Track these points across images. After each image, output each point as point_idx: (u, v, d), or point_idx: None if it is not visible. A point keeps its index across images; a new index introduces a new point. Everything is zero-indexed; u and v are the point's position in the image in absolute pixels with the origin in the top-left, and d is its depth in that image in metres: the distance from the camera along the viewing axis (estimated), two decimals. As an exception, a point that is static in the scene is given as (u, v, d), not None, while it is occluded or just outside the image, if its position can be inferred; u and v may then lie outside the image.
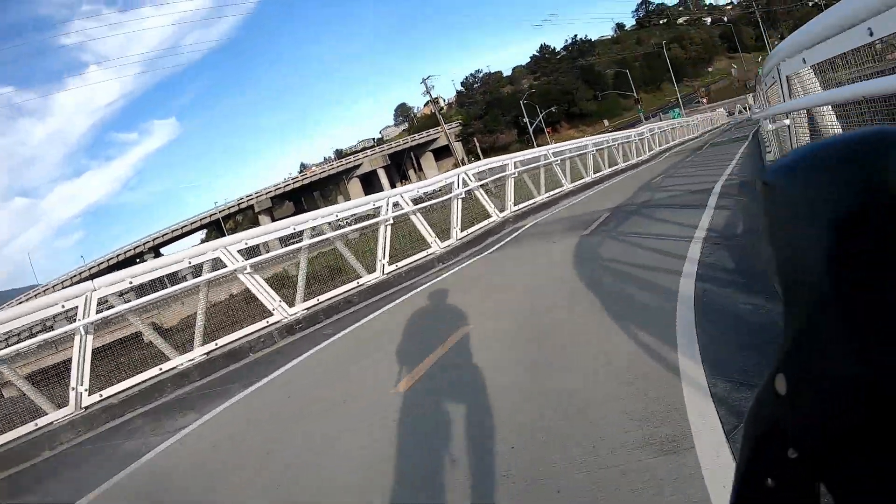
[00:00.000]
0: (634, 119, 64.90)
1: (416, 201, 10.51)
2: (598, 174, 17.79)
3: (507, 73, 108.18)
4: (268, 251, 8.21)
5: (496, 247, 9.73)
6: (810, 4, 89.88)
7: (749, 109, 52.92)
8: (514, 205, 12.63)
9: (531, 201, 13.43)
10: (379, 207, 9.53)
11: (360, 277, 8.78)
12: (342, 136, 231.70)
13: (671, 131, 29.01)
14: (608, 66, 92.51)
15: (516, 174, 12.85)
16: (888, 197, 0.28)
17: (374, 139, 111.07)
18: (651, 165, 20.19)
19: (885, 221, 0.28)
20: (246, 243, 7.68)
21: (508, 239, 10.25)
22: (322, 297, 8.11)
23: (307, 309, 7.79)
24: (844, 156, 0.30)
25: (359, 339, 5.93)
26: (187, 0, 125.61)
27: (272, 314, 7.51)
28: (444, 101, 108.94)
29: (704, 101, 74.27)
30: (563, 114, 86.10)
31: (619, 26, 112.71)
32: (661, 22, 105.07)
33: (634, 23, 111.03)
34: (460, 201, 10.94)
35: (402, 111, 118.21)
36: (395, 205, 9.80)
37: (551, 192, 14.43)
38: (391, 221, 9.46)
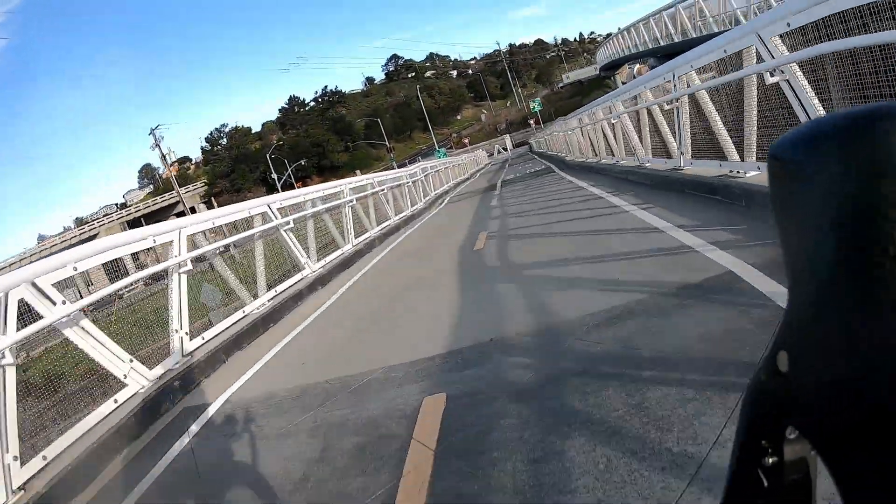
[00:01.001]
0: (387, 168, 63.17)
1: None
2: (362, 238, 11.57)
3: (256, 128, 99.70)
4: None
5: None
6: (548, 57, 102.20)
7: (508, 150, 58.73)
8: (191, 337, 5.50)
9: (232, 319, 6.38)
10: None
11: None
12: (86, 202, 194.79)
13: (444, 171, 25.00)
14: (359, 116, 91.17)
15: (188, 264, 5.83)
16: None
17: (116, 204, 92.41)
18: (435, 218, 14.70)
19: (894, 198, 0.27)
20: None
21: None
22: None
23: None
24: (854, 130, 0.28)
25: None
26: None
27: None
28: (192, 160, 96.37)
29: (466, 142, 76.70)
30: (313, 167, 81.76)
31: (369, 80, 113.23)
32: (409, 75, 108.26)
33: (384, 76, 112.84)
34: (10, 370, 3.66)
35: (147, 172, 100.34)
36: None
37: (280, 289, 7.54)
38: None
